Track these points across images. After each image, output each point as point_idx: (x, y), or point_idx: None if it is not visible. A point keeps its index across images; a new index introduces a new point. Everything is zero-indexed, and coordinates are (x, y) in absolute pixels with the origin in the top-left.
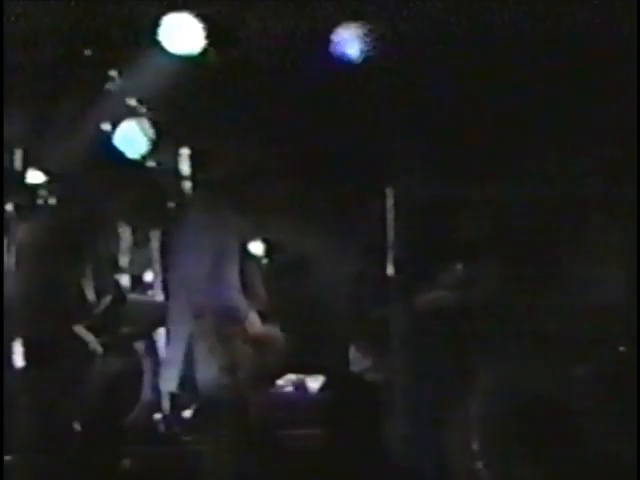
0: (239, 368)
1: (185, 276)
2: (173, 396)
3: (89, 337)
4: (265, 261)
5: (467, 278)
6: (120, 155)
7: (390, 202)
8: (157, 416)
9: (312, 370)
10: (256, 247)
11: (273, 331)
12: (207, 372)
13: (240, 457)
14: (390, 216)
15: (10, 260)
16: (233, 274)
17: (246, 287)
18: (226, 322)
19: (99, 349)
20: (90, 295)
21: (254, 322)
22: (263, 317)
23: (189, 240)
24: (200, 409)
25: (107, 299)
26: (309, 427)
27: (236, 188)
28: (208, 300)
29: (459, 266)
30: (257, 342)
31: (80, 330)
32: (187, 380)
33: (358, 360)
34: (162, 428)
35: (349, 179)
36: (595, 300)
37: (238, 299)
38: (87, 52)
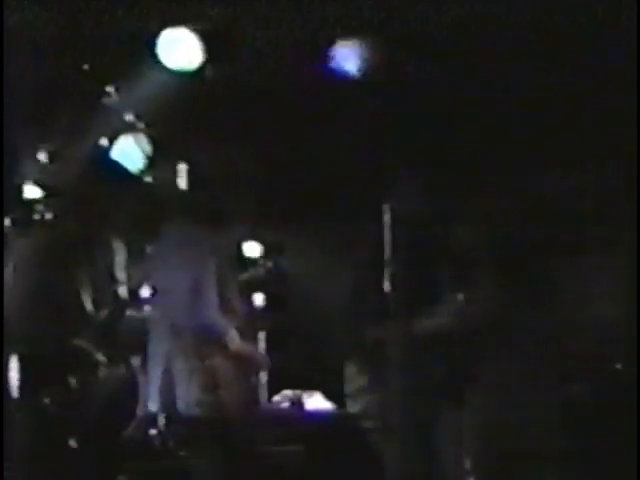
0: (221, 386)
1: (164, 294)
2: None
3: (91, 349)
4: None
5: (470, 299)
6: (117, 170)
7: (387, 218)
8: (153, 431)
9: (309, 386)
10: (253, 249)
11: (254, 348)
12: (187, 391)
13: (228, 475)
14: (387, 232)
15: (8, 275)
16: (212, 291)
17: (224, 304)
18: (206, 340)
19: (103, 360)
20: (89, 308)
21: (234, 339)
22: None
23: (168, 257)
24: (183, 428)
25: (105, 312)
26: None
27: (226, 202)
28: (187, 318)
29: (460, 296)
30: (238, 359)
31: (82, 343)
32: (167, 400)
33: (353, 378)
34: (158, 443)
35: (346, 195)
36: (592, 317)
37: (217, 316)
38: (85, 67)
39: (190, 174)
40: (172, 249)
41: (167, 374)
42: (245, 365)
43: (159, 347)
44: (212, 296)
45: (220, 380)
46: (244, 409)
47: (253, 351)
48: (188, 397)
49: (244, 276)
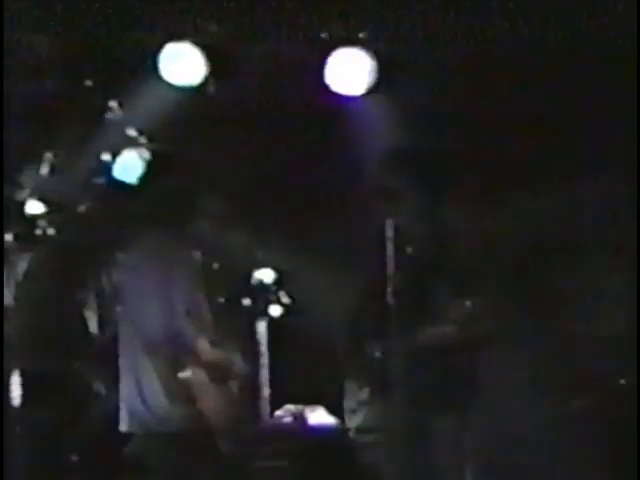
0: (197, 398)
1: (133, 308)
2: None
3: (91, 377)
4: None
5: (473, 313)
6: (120, 185)
7: (390, 233)
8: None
9: (310, 401)
10: (266, 275)
11: (230, 355)
12: (161, 407)
13: None
14: (390, 247)
15: (10, 291)
16: (179, 303)
17: (192, 314)
18: (175, 352)
19: (102, 391)
20: (92, 327)
21: (204, 347)
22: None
23: (135, 272)
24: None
25: (110, 331)
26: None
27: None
28: (156, 331)
29: (468, 302)
30: (212, 368)
31: (81, 368)
32: (138, 417)
33: (353, 393)
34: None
35: (348, 210)
36: (596, 332)
37: (184, 327)
38: (88, 83)
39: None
40: (141, 258)
41: (138, 390)
42: (220, 373)
43: (130, 363)
44: (179, 307)
45: (195, 392)
46: (228, 418)
47: (227, 358)
48: (162, 412)
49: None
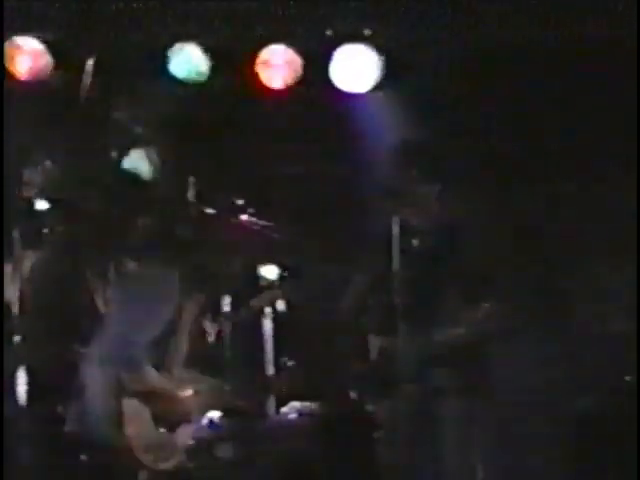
0: (126, 424)
1: (109, 328)
2: None
3: None
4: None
5: (487, 315)
6: (128, 183)
7: (396, 230)
8: None
9: (315, 397)
10: (270, 271)
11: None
12: (101, 427)
13: None
14: (396, 245)
15: (16, 288)
16: (137, 330)
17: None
18: (122, 370)
19: None
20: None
21: (150, 375)
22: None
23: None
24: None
25: None
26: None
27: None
28: (111, 348)
29: (484, 304)
30: (151, 397)
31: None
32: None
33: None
34: None
35: (356, 206)
36: (602, 329)
37: (137, 351)
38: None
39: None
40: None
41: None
42: (161, 404)
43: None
44: (145, 332)
45: (126, 417)
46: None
47: (173, 391)
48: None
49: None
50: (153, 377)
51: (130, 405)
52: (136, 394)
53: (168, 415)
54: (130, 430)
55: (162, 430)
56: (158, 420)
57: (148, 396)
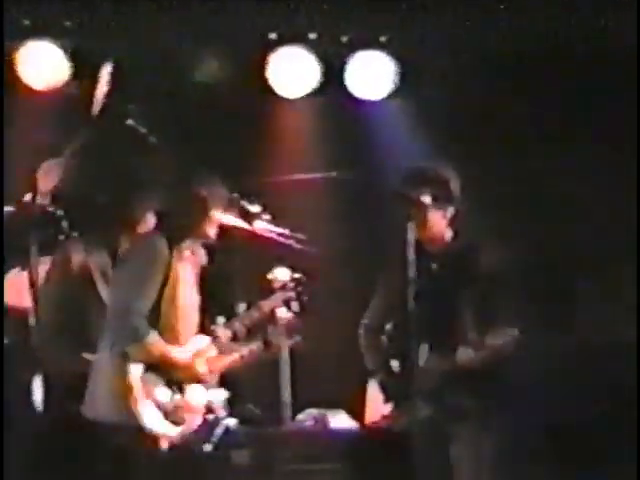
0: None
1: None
2: None
3: None
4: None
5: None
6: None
7: (410, 237)
8: None
9: (332, 405)
10: (283, 274)
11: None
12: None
13: None
14: (411, 252)
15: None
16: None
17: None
18: (127, 341)
19: None
20: None
21: (156, 342)
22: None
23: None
24: None
25: None
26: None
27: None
28: (113, 324)
29: (515, 331)
30: (157, 363)
31: None
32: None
33: (376, 398)
34: None
35: (370, 212)
36: (608, 338)
37: (137, 320)
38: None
39: None
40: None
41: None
42: (169, 370)
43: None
44: (137, 303)
45: (135, 391)
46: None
47: (180, 355)
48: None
49: (267, 304)
50: (159, 344)
51: (139, 377)
52: (143, 363)
53: (178, 379)
54: (142, 403)
55: (175, 395)
56: (169, 385)
57: (155, 364)
